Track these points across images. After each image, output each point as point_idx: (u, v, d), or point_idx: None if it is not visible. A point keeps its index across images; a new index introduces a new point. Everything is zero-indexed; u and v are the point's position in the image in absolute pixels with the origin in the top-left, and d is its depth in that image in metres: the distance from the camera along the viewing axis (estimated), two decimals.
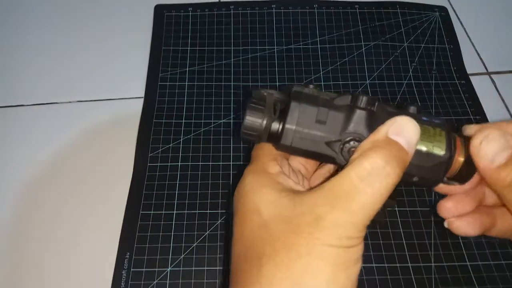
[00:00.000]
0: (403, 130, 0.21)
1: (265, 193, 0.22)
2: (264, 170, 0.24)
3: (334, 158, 0.23)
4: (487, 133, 0.22)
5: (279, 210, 0.21)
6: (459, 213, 0.25)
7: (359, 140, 0.22)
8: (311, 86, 0.24)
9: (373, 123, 0.22)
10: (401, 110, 0.23)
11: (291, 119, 0.23)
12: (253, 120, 0.23)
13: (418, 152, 0.22)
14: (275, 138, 0.23)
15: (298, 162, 0.27)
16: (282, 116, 0.23)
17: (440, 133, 0.22)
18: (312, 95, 0.23)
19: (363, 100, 0.22)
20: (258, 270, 0.20)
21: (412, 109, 0.23)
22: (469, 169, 0.23)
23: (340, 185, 0.20)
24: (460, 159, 0.23)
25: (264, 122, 0.23)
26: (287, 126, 0.23)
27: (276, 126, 0.23)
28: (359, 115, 0.22)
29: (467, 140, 0.23)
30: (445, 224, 0.25)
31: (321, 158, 0.24)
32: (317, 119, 0.23)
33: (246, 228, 0.22)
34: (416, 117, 0.23)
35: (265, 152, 0.25)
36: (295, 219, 0.21)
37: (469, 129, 0.24)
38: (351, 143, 0.22)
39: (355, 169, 0.20)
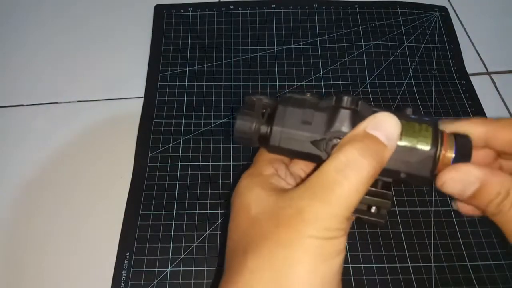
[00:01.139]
0: (382, 125, 0.22)
1: (256, 192, 0.24)
2: (259, 172, 0.25)
3: (320, 157, 0.24)
4: (444, 179, 0.22)
5: (266, 206, 0.22)
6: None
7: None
8: (308, 94, 0.25)
9: (357, 121, 0.23)
10: (396, 111, 0.23)
11: (278, 121, 0.24)
12: (243, 123, 0.24)
13: (402, 148, 0.22)
14: (265, 140, 0.25)
15: (299, 168, 0.27)
16: (271, 119, 0.24)
17: (426, 128, 0.23)
18: (300, 98, 0.25)
19: (346, 100, 0.23)
20: (243, 263, 0.21)
21: (409, 110, 0.24)
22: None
23: (319, 178, 0.21)
24: (449, 155, 0.23)
25: (253, 125, 0.24)
26: (274, 127, 0.24)
27: (265, 128, 0.24)
28: (343, 114, 0.23)
29: (457, 136, 0.23)
30: (454, 206, 0.26)
31: (308, 158, 0.24)
32: (303, 120, 0.24)
33: (238, 225, 0.24)
34: (402, 114, 0.23)
35: (263, 157, 0.26)
36: (279, 213, 0.22)
37: (446, 126, 0.24)
38: (334, 140, 0.23)
39: (332, 162, 0.21)
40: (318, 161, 0.24)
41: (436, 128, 0.23)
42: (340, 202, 0.20)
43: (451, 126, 0.24)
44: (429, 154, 0.22)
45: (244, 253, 0.22)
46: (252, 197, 0.23)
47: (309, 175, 0.23)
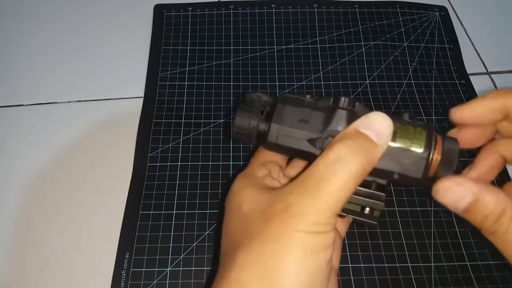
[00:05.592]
0: (373, 123, 0.22)
1: (248, 192, 0.24)
2: (252, 174, 0.26)
3: (316, 155, 0.24)
4: (440, 186, 0.22)
5: (258, 204, 0.23)
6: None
7: None
8: (308, 96, 0.26)
9: (353, 121, 0.23)
10: (393, 115, 0.24)
11: (276, 118, 0.25)
12: (242, 120, 0.25)
13: (396, 149, 0.23)
14: (263, 137, 0.25)
15: (296, 172, 0.28)
16: (269, 116, 0.25)
17: (420, 132, 0.23)
18: (299, 98, 0.25)
19: (343, 101, 0.24)
20: (233, 258, 0.22)
21: (406, 115, 0.25)
22: (447, 166, 0.23)
23: (309, 174, 0.22)
24: (438, 157, 0.23)
25: (252, 121, 0.25)
26: (272, 124, 0.25)
27: (263, 125, 0.25)
28: (340, 114, 0.24)
29: (445, 139, 0.24)
30: None
31: (304, 156, 0.25)
32: (300, 118, 0.25)
33: (230, 225, 0.24)
34: (398, 117, 0.24)
35: (257, 159, 0.27)
36: (269, 209, 0.22)
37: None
38: (330, 139, 0.24)
39: (322, 159, 0.22)
40: (313, 160, 0.24)
41: (430, 132, 0.24)
42: (328, 197, 0.21)
43: (468, 108, 0.25)
44: (422, 156, 0.23)
45: (235, 249, 0.22)
46: (244, 196, 0.24)
47: (301, 173, 0.23)
